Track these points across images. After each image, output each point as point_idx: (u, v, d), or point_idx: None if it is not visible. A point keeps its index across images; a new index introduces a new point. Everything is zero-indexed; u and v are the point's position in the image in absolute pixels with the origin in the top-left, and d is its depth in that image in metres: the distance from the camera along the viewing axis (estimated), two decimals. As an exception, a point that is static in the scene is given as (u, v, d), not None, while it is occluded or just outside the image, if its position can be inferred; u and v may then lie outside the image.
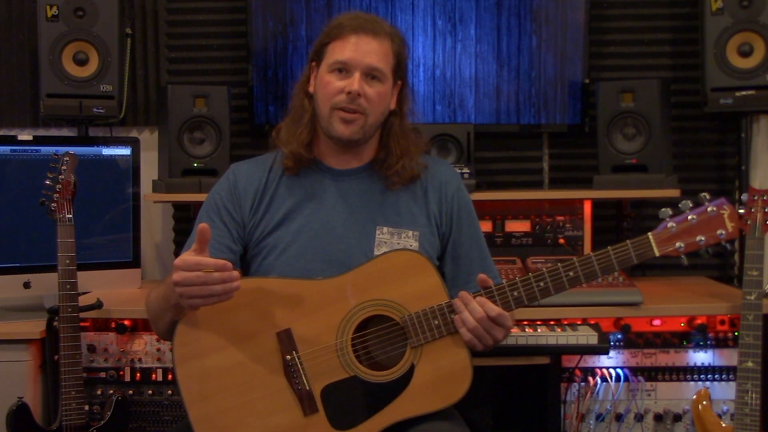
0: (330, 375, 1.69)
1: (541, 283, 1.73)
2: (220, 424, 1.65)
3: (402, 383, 1.70)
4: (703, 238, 1.74)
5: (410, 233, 1.90)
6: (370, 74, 1.85)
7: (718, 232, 1.75)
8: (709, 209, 1.76)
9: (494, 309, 1.70)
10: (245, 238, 1.92)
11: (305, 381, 1.68)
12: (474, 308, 1.70)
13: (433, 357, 1.71)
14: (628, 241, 1.76)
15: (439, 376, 1.71)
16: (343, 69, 1.85)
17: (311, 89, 1.93)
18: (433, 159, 2.08)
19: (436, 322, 1.71)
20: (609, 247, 1.75)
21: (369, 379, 1.70)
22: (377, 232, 1.88)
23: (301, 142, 1.91)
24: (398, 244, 1.87)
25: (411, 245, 1.88)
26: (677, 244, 1.74)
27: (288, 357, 1.69)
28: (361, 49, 1.83)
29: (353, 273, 1.76)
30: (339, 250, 1.86)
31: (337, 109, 1.85)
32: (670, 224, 1.75)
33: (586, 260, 1.74)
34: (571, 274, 1.73)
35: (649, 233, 1.76)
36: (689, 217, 1.75)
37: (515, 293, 1.73)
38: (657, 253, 1.74)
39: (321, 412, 1.67)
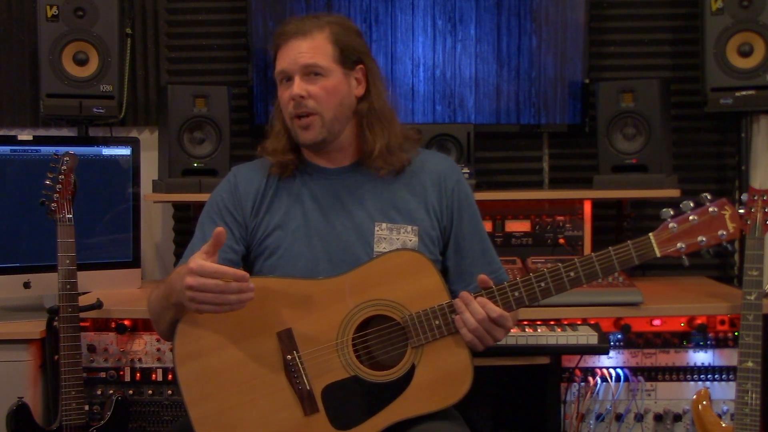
0: (331, 375, 1.69)
1: (542, 284, 1.73)
2: (221, 424, 1.66)
3: (403, 383, 1.70)
4: (704, 239, 1.74)
5: (409, 228, 1.90)
6: (309, 73, 1.84)
7: (720, 232, 1.74)
8: (710, 209, 1.75)
9: (495, 310, 1.70)
10: (247, 239, 1.93)
11: (306, 380, 1.68)
12: (475, 309, 1.70)
13: (433, 357, 1.71)
14: (629, 241, 1.76)
15: (440, 376, 1.71)
16: (285, 78, 1.87)
17: None
18: (431, 152, 2.07)
19: (437, 323, 1.71)
20: (610, 248, 1.75)
21: (370, 379, 1.70)
22: (376, 228, 1.88)
23: (284, 151, 1.93)
24: (397, 239, 1.87)
25: (410, 240, 1.88)
26: (678, 245, 1.74)
27: (289, 357, 1.69)
28: (291, 53, 1.84)
29: (354, 273, 1.76)
30: (340, 248, 1.86)
31: (295, 117, 1.87)
32: (671, 225, 1.75)
33: (587, 261, 1.74)
34: (572, 274, 1.73)
35: (650, 234, 1.76)
36: (690, 218, 1.75)
37: (516, 293, 1.73)
38: (658, 254, 1.74)
39: (321, 411, 1.67)
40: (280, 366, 1.69)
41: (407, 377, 1.70)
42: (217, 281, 1.57)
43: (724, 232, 1.74)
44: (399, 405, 1.68)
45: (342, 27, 1.90)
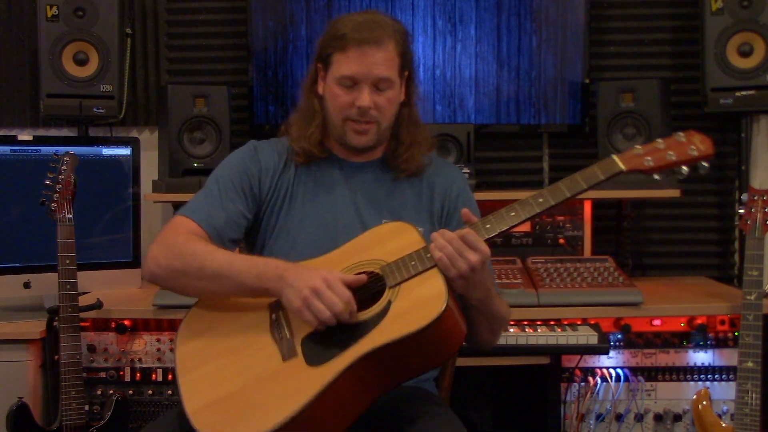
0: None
1: (512, 213, 1.71)
2: (205, 385, 1.66)
3: (378, 319, 1.65)
4: (672, 153, 1.69)
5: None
6: (378, 84, 1.84)
7: (690, 148, 1.70)
8: (677, 136, 1.73)
9: (464, 229, 1.66)
10: (257, 214, 1.92)
11: (287, 332, 1.68)
12: (445, 232, 1.67)
13: (408, 291, 1.67)
14: None
15: (413, 304, 1.66)
16: (350, 83, 1.84)
17: (320, 90, 1.92)
18: (441, 160, 2.07)
19: (413, 263, 1.68)
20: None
21: (347, 321, 1.66)
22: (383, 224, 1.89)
23: (313, 142, 1.91)
24: None
25: None
26: (646, 159, 1.70)
27: (274, 316, 1.70)
28: (366, 61, 1.82)
29: (342, 247, 1.78)
30: (344, 242, 1.85)
31: (350, 120, 1.86)
32: (636, 147, 1.72)
33: (553, 186, 1.73)
34: (540, 200, 1.71)
35: (613, 154, 1.73)
36: (657, 141, 1.72)
37: (488, 225, 1.70)
38: (623, 167, 1.70)
39: (299, 355, 1.65)
40: (266, 327, 1.70)
41: (382, 314, 1.66)
42: (339, 303, 1.58)
43: (694, 148, 1.70)
44: (371, 336, 1.63)
45: (403, 35, 1.89)
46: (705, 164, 1.72)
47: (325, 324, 1.60)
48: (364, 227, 1.87)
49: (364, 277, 1.66)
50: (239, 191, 1.89)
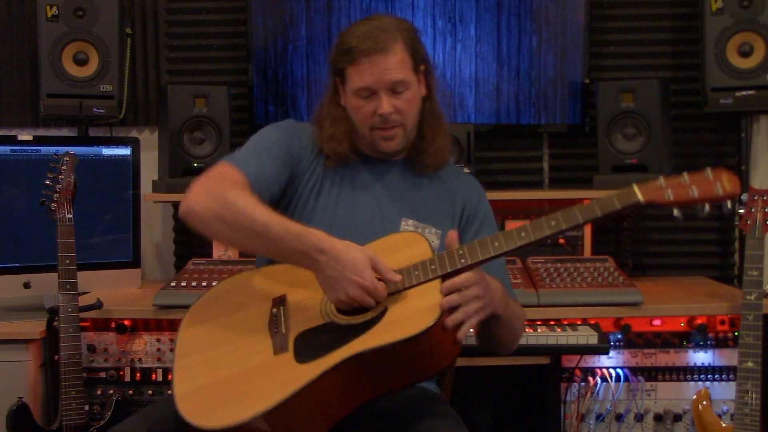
0: (308, 323, 1.70)
1: (522, 233, 1.67)
2: (195, 371, 1.68)
3: (371, 323, 1.66)
4: (695, 189, 1.61)
5: (434, 230, 1.91)
6: (395, 88, 1.85)
7: (716, 186, 1.61)
8: (704, 172, 1.64)
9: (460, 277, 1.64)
10: (288, 187, 1.92)
11: (283, 327, 1.69)
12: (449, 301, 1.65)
13: (406, 300, 1.68)
14: None
15: (407, 313, 1.66)
16: (367, 93, 1.85)
17: (342, 102, 1.94)
18: (459, 168, 2.10)
19: (417, 273, 1.69)
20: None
21: (342, 322, 1.68)
22: (402, 223, 1.90)
23: (346, 147, 1.92)
24: None
25: (433, 242, 1.85)
26: (667, 192, 1.63)
27: (274, 310, 1.72)
28: (377, 70, 1.83)
29: None
30: (361, 237, 1.84)
31: (376, 129, 1.88)
32: (660, 179, 1.65)
33: (569, 209, 1.69)
34: (553, 223, 1.68)
35: (634, 183, 1.67)
36: (683, 176, 1.65)
37: (496, 244, 1.68)
38: (641, 198, 1.63)
39: (290, 351, 1.66)
40: (265, 321, 1.71)
41: (377, 319, 1.66)
42: (372, 289, 1.62)
43: (719, 186, 1.61)
44: (361, 340, 1.63)
45: (409, 31, 1.89)
46: (729, 204, 1.63)
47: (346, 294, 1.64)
48: (383, 224, 1.89)
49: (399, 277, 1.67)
50: (280, 155, 1.89)
